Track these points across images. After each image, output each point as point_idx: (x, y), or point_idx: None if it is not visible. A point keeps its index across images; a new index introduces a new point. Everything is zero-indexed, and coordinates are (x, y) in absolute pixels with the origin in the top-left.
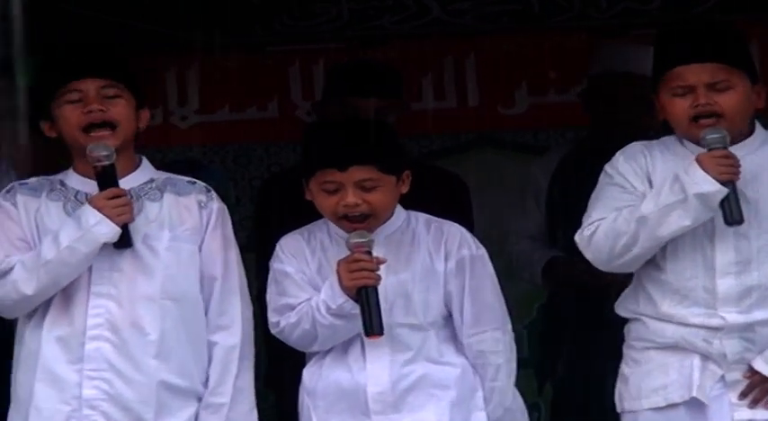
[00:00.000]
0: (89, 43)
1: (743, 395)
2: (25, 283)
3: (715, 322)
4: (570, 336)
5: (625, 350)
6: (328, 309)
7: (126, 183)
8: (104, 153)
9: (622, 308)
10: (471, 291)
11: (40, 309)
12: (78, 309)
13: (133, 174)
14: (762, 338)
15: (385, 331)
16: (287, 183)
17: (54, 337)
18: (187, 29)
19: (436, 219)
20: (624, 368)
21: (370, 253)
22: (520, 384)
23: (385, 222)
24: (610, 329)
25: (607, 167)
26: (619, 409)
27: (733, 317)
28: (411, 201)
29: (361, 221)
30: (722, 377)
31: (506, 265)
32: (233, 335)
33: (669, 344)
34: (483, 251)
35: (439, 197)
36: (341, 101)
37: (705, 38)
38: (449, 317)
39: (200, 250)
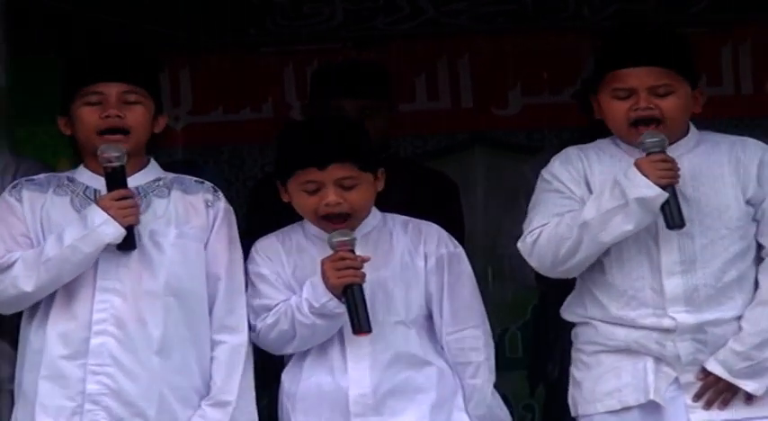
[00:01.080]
0: (116, 44)
1: (697, 397)
2: (25, 280)
3: (666, 323)
4: (562, 338)
5: (574, 354)
6: (311, 307)
7: (134, 180)
8: (115, 154)
9: (569, 312)
10: (450, 288)
11: (42, 306)
12: (83, 303)
13: (141, 172)
14: (713, 339)
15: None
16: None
17: (57, 334)
18: (181, 29)
19: (413, 219)
20: (575, 372)
21: (353, 251)
22: (514, 385)
23: (361, 221)
24: None
25: (544, 173)
26: (573, 414)
27: (683, 317)
28: (400, 202)
29: (342, 221)
30: (676, 379)
31: (500, 266)
32: (240, 334)
33: (621, 347)
34: (460, 249)
35: (428, 197)
36: (328, 103)
37: (649, 41)
38: (429, 316)
39: (205, 249)
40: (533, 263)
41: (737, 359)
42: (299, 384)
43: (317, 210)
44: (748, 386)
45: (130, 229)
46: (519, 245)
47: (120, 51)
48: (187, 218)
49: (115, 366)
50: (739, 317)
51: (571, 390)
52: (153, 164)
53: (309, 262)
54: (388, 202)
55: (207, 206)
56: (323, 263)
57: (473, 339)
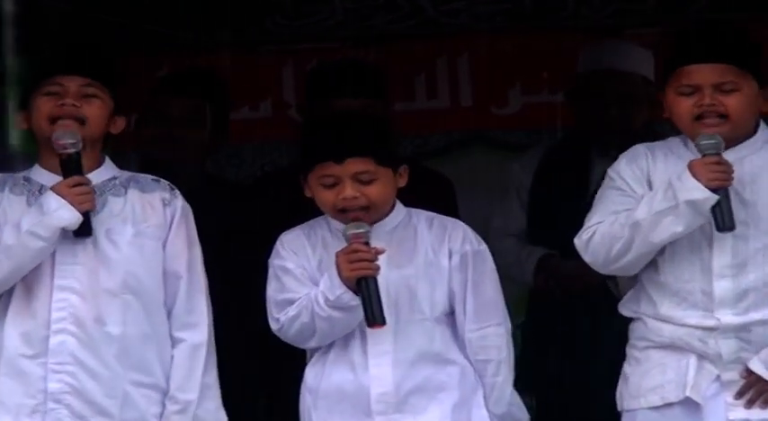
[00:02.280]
0: (79, 41)
1: (739, 395)
2: None
3: (710, 323)
4: (556, 336)
5: (628, 349)
6: (327, 300)
7: (91, 178)
8: (70, 140)
9: (625, 308)
10: (473, 286)
11: (1, 303)
12: (41, 302)
13: (97, 170)
14: (758, 338)
15: (389, 327)
16: (279, 183)
17: (17, 332)
18: (180, 29)
19: (438, 215)
20: (626, 367)
21: (368, 243)
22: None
23: (384, 217)
24: (596, 329)
25: (609, 171)
26: (619, 408)
27: (728, 318)
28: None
29: (360, 212)
30: (718, 377)
31: (497, 265)
32: (200, 332)
33: (666, 343)
34: (484, 247)
35: (425, 196)
36: (324, 102)
37: (715, 38)
38: (452, 314)
39: (163, 247)
40: (587, 259)
41: None
42: (321, 380)
43: (335, 204)
44: None
45: (86, 216)
46: (575, 240)
47: (82, 47)
48: (144, 216)
49: (76, 365)
50: None
51: (619, 385)
52: (108, 162)
53: (334, 256)
54: None
55: (164, 204)
56: (337, 255)
57: (495, 337)
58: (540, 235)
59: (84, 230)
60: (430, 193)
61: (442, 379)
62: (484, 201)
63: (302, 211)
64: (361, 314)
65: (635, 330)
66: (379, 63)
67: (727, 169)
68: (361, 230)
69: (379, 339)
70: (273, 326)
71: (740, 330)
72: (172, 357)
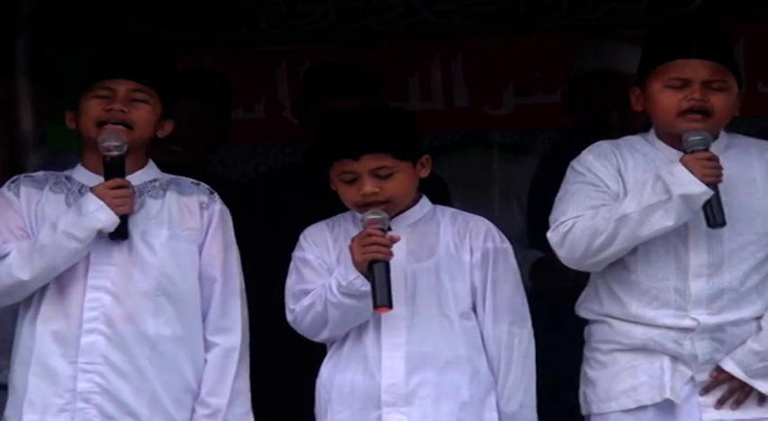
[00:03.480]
0: (134, 44)
1: (705, 391)
2: (20, 268)
3: (686, 323)
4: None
5: (588, 353)
6: (339, 286)
7: (131, 179)
8: (116, 143)
9: (583, 309)
10: (493, 283)
11: (34, 302)
12: (74, 302)
13: (139, 172)
14: (731, 338)
15: (404, 321)
16: (273, 183)
17: (49, 331)
18: (174, 29)
19: (462, 212)
20: (588, 371)
21: (384, 230)
22: None
23: (408, 209)
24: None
25: (575, 165)
26: (584, 412)
27: (704, 318)
28: None
29: (381, 205)
30: (691, 378)
31: None
32: (233, 337)
33: (637, 345)
34: (507, 245)
35: None
36: (320, 103)
37: (709, 36)
38: (472, 311)
39: (200, 251)
40: (562, 254)
41: (755, 359)
42: (335, 375)
43: (356, 201)
44: (762, 387)
45: (124, 219)
46: (549, 234)
47: (133, 50)
48: (181, 219)
49: (106, 365)
50: (758, 318)
51: (583, 388)
52: (151, 164)
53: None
54: None
55: (202, 208)
56: (352, 240)
57: (509, 336)
58: (538, 237)
59: (120, 233)
60: (425, 194)
61: (453, 376)
62: (478, 202)
63: (296, 212)
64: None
65: (596, 333)
66: (373, 64)
67: (718, 165)
68: (377, 216)
69: (394, 332)
70: (289, 317)
71: (715, 331)
72: (205, 361)
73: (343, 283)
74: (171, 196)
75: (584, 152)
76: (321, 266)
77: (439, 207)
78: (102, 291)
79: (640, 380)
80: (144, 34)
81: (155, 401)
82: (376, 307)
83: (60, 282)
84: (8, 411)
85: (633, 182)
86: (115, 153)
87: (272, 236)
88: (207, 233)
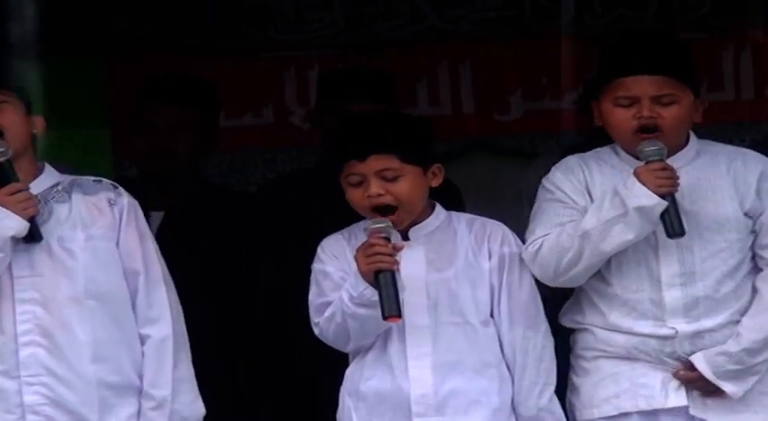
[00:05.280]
0: None
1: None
2: None
3: (665, 332)
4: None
5: (573, 360)
6: (351, 297)
7: (32, 188)
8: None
9: (567, 319)
10: (508, 288)
11: None
12: (6, 317)
13: (37, 179)
14: (711, 342)
15: (428, 330)
16: (282, 190)
17: None
18: (182, 35)
19: (479, 217)
20: (574, 378)
21: (388, 239)
22: None
23: (423, 220)
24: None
25: (545, 182)
26: (570, 420)
27: (682, 327)
28: None
29: (391, 213)
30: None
31: None
32: (163, 326)
33: (620, 353)
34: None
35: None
36: (335, 107)
37: (654, 50)
38: (492, 317)
39: (117, 247)
40: (536, 272)
41: (728, 361)
42: (360, 383)
43: (363, 203)
44: (727, 388)
45: (33, 221)
46: (522, 254)
47: None
48: (92, 219)
49: (49, 375)
50: (736, 322)
51: (569, 396)
52: (48, 169)
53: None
54: None
55: (110, 204)
56: (356, 251)
57: (524, 340)
58: None
59: (33, 236)
60: (437, 199)
61: (482, 383)
62: (486, 207)
63: (305, 219)
64: None
65: (580, 340)
66: (382, 70)
67: (672, 175)
68: (380, 225)
69: (419, 341)
70: (315, 330)
71: (694, 338)
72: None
73: (354, 294)
74: (77, 198)
75: (552, 169)
76: (342, 279)
77: (454, 214)
78: (32, 302)
79: (623, 388)
80: (149, 40)
81: (103, 405)
82: (385, 317)
83: None
84: None
85: (600, 195)
86: (1, 159)
87: (284, 243)
88: (120, 228)
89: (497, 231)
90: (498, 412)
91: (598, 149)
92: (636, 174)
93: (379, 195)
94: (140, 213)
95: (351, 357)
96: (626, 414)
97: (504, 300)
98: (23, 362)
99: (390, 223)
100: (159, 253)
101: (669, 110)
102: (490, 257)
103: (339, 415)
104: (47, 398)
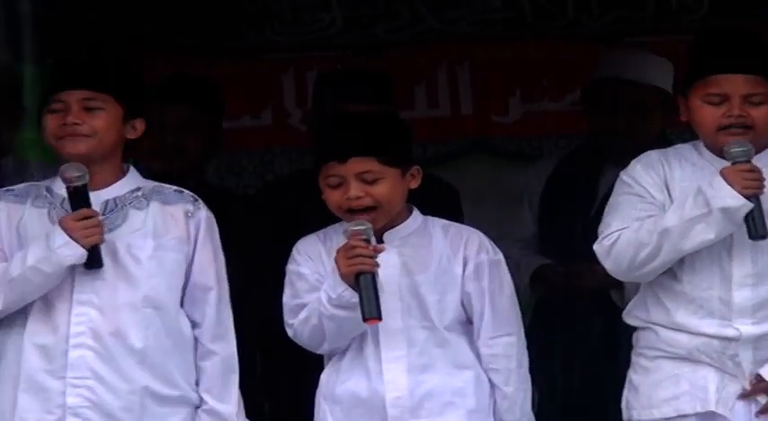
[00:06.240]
0: (77, 53)
1: (743, 397)
2: None
3: (729, 333)
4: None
5: (634, 358)
6: (329, 299)
7: (111, 191)
8: (76, 174)
9: (631, 316)
10: (490, 295)
11: (19, 317)
12: (61, 316)
13: (119, 182)
14: None
15: (402, 334)
16: (281, 192)
17: (35, 346)
18: (180, 35)
19: (455, 224)
20: (633, 376)
21: (368, 241)
22: None
23: (399, 223)
24: (596, 335)
25: (623, 176)
26: (626, 418)
27: (747, 328)
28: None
29: (366, 214)
30: (742, 389)
31: None
32: (230, 343)
33: (682, 354)
34: (500, 256)
35: (429, 204)
36: (334, 107)
37: (747, 48)
38: (466, 322)
39: (189, 260)
40: (608, 265)
41: None
42: (336, 386)
43: (341, 205)
44: None
45: (95, 248)
46: (595, 247)
47: (81, 59)
48: (166, 229)
49: (95, 379)
50: None
51: (626, 394)
52: (132, 172)
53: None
54: None
55: (187, 217)
56: (336, 253)
57: (507, 346)
58: (549, 241)
59: (93, 263)
60: (436, 201)
61: (457, 384)
62: (484, 209)
63: (304, 220)
64: None
65: (643, 339)
66: (380, 71)
67: (759, 177)
68: (360, 227)
69: (393, 344)
70: (289, 332)
71: (758, 341)
72: (199, 368)
73: (333, 296)
74: (155, 206)
75: (633, 162)
76: (317, 280)
77: (430, 219)
78: (89, 305)
79: (683, 389)
80: (148, 41)
81: (144, 413)
82: (365, 319)
83: (47, 296)
84: None
85: (680, 191)
86: (78, 183)
87: (282, 244)
88: (196, 242)
89: (474, 238)
90: (474, 414)
91: (678, 146)
92: (722, 174)
93: (359, 197)
94: (216, 228)
95: (326, 361)
96: (684, 416)
97: (487, 308)
98: (71, 364)
99: (370, 225)
100: (225, 271)
101: (759, 109)
102: (465, 264)
103: (315, 419)
104: (89, 401)
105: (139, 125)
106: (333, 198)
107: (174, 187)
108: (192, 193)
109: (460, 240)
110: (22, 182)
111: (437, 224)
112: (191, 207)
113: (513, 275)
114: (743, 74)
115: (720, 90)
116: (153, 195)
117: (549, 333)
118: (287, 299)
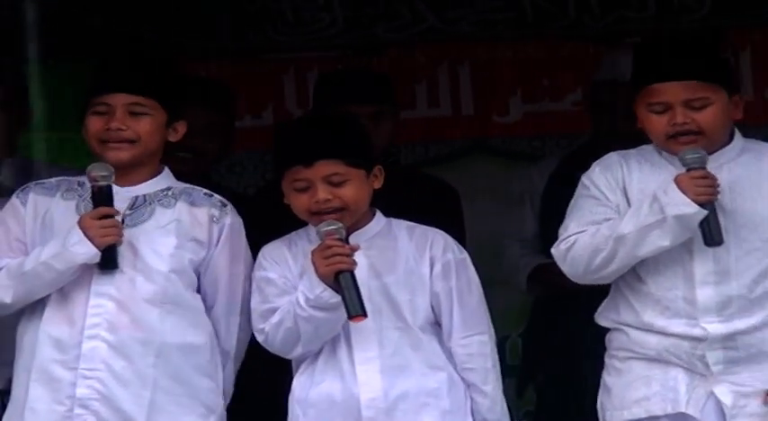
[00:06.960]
0: (130, 55)
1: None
2: (4, 291)
3: (697, 332)
4: (554, 342)
5: (607, 360)
6: (307, 300)
7: (142, 188)
8: (103, 173)
9: (603, 317)
10: (458, 295)
11: (38, 306)
12: (78, 308)
13: (152, 180)
14: (744, 347)
15: (374, 335)
16: (281, 192)
17: (50, 337)
18: (181, 36)
19: (418, 225)
20: (606, 378)
21: (342, 239)
22: (514, 392)
23: (364, 225)
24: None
25: (583, 178)
26: (601, 419)
27: (714, 327)
28: (401, 209)
29: (334, 215)
30: (711, 392)
31: (501, 273)
32: (236, 360)
33: (652, 355)
34: (466, 255)
35: (429, 204)
36: (336, 108)
37: (682, 54)
38: (436, 322)
39: (204, 263)
40: (565, 269)
41: None
42: (309, 390)
43: (310, 208)
44: None
45: (111, 249)
46: (553, 250)
47: (127, 63)
48: (190, 230)
49: (107, 371)
50: None
51: (600, 396)
52: (166, 172)
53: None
54: (389, 210)
55: (211, 221)
56: (312, 254)
57: (481, 345)
58: (551, 241)
59: (107, 264)
60: (435, 202)
61: (431, 385)
62: (484, 209)
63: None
64: (343, 313)
65: (614, 340)
66: (381, 71)
67: (713, 183)
68: (332, 227)
69: (365, 346)
70: (259, 337)
71: (726, 340)
72: (216, 367)
73: (311, 297)
74: (182, 206)
75: (593, 164)
76: (285, 285)
77: (394, 220)
78: (107, 297)
79: (653, 391)
80: (149, 42)
81: (154, 409)
82: (351, 317)
83: (65, 287)
84: (8, 417)
85: (637, 193)
86: (102, 183)
87: None
88: (216, 246)
89: (439, 239)
90: (449, 415)
91: (643, 147)
92: (677, 181)
93: (327, 200)
94: (242, 234)
95: (295, 367)
96: (655, 417)
97: (457, 308)
98: (84, 355)
99: (342, 225)
100: (248, 276)
101: (703, 113)
102: (432, 265)
103: None
104: (98, 393)
105: (181, 128)
106: (300, 202)
107: (205, 190)
108: (222, 198)
109: (426, 241)
110: (27, 182)
111: (401, 225)
112: (217, 212)
113: (512, 275)
114: (679, 81)
115: (660, 99)
116: (182, 196)
117: (547, 333)
118: (255, 304)
